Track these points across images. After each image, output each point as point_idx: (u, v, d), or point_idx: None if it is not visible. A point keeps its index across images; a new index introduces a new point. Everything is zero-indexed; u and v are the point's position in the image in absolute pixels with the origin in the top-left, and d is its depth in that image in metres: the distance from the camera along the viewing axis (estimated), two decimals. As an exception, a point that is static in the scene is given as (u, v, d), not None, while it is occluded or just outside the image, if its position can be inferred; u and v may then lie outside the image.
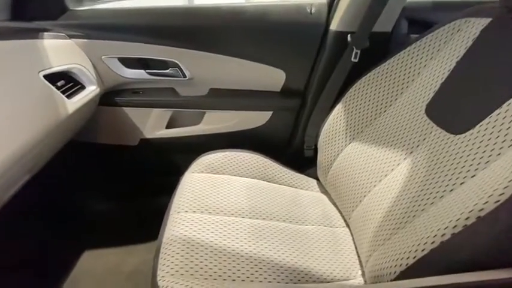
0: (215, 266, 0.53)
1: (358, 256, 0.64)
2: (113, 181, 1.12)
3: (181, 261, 0.53)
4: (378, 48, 0.84)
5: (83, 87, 0.84)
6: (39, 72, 0.70)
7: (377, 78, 0.73)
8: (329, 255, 0.64)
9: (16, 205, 0.65)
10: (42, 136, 0.64)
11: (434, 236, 0.37)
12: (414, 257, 0.39)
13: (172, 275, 0.51)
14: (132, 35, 0.87)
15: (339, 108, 0.80)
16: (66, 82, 0.78)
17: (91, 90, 0.85)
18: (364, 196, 0.65)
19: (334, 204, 0.81)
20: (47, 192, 1.04)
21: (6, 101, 0.59)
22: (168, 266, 0.52)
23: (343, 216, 0.76)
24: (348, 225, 0.73)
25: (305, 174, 0.91)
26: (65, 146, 0.82)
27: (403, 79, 0.69)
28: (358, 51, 0.79)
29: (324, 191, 0.86)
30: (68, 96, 0.75)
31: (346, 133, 0.77)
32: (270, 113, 1.01)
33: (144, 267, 0.55)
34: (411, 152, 0.58)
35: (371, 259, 0.52)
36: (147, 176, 1.13)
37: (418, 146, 0.57)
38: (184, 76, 0.94)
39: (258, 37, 0.90)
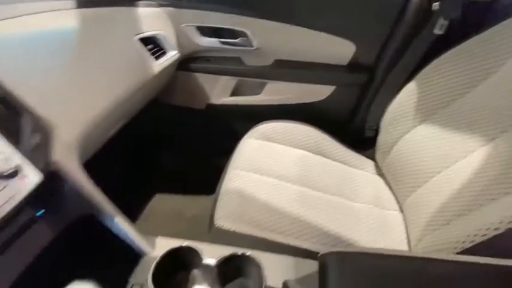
0: (265, 218, 0.59)
1: (408, 240, 0.62)
2: (183, 139, 1.26)
3: (235, 209, 0.60)
4: (471, 19, 0.72)
5: (164, 52, 0.94)
6: (136, 35, 0.81)
7: (464, 55, 0.64)
8: (375, 234, 0.63)
9: (109, 149, 0.80)
10: (134, 91, 0.76)
11: (500, 223, 0.34)
12: (472, 241, 0.37)
13: (227, 218, 0.58)
14: (210, 3, 0.93)
15: (411, 86, 0.73)
16: (153, 46, 0.89)
17: (172, 55, 0.95)
18: (425, 182, 0.61)
19: (390, 187, 0.77)
20: (131, 141, 1.23)
21: (108, 60, 0.71)
22: (223, 211, 0.60)
23: (398, 201, 0.73)
24: (401, 210, 0.70)
25: (362, 155, 0.88)
26: (147, 103, 0.96)
27: (498, 56, 0.59)
28: (446, 23, 0.70)
29: (380, 173, 0.83)
30: (156, 58, 0.86)
31: (415, 114, 0.71)
32: (333, 87, 0.98)
33: (203, 213, 0.64)
34: (493, 139, 0.52)
35: (422, 242, 0.51)
36: (211, 137, 1.24)
37: (502, 134, 0.50)
38: (251, 46, 0.97)
39: (330, 5, 0.86)
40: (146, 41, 0.86)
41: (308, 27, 0.90)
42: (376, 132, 0.85)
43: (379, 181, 0.81)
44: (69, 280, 0.41)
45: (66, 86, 0.58)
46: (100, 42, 0.70)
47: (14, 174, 0.39)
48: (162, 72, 0.91)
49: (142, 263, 0.49)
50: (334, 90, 0.99)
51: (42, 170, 0.44)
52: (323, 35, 0.90)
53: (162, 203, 1.12)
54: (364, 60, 0.92)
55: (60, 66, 0.58)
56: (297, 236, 0.57)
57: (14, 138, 0.42)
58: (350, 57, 0.93)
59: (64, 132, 0.53)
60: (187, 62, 1.06)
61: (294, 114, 0.95)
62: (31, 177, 0.42)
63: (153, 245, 0.52)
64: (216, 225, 0.57)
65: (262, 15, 0.91)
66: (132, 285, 0.46)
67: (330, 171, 0.78)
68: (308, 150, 0.82)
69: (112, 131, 0.82)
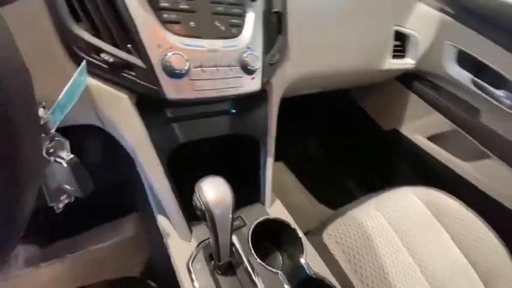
0: (365, 265, 0.55)
1: None
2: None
3: (348, 238, 0.58)
4: None
5: (403, 56, 0.85)
6: (395, 25, 0.76)
7: None
8: None
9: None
10: (355, 70, 0.74)
11: None
12: None
13: (335, 238, 0.58)
14: (501, 35, 0.73)
15: None
16: (399, 45, 0.82)
17: (408, 63, 0.86)
18: None
19: None
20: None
21: (359, 29, 0.70)
22: (336, 231, 0.59)
23: None
24: None
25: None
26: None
27: None
28: None
29: None
30: (393, 56, 0.79)
31: None
32: None
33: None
34: None
35: None
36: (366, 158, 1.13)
37: None
38: None
39: None
40: (398, 36, 0.79)
41: None
42: None
43: None
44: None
45: (322, 28, 0.61)
46: (363, 11, 0.70)
47: (250, 72, 0.45)
48: (386, 73, 0.83)
49: None
50: None
51: (262, 83, 0.48)
52: None
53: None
54: None
55: (330, 8, 0.62)
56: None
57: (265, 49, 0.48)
58: None
59: (291, 66, 0.57)
60: (411, 77, 0.93)
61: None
62: (256, 81, 0.47)
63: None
64: (322, 237, 0.57)
65: None
66: None
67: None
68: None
69: (307, 91, 0.84)
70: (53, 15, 0.34)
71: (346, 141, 1.22)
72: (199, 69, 0.40)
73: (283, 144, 0.69)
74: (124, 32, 0.36)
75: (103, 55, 0.36)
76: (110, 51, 0.36)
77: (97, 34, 0.36)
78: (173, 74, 0.38)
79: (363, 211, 0.65)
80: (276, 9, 0.50)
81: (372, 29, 0.72)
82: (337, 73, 0.69)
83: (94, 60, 0.36)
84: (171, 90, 0.39)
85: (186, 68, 0.38)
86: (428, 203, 0.69)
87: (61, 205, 0.37)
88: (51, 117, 0.27)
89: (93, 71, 0.37)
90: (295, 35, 0.55)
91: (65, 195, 0.35)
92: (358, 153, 1.17)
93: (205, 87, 0.41)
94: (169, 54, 0.37)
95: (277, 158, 0.61)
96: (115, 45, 0.36)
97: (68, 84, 0.29)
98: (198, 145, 0.50)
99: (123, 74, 0.38)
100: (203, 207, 0.37)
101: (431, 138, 0.93)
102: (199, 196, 0.37)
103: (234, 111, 0.53)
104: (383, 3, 0.74)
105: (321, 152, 1.27)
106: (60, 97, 0.28)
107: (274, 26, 0.51)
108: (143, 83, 0.38)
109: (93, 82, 0.37)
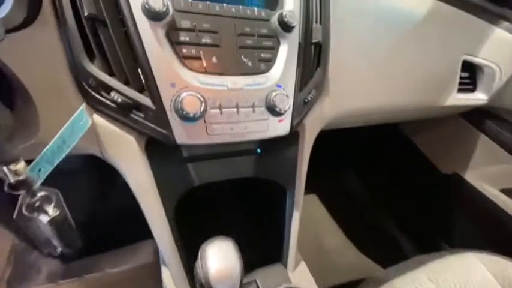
0: None
1: None
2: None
3: None
4: None
5: (472, 90, 0.71)
6: (465, 54, 0.63)
7: None
8: None
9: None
10: (414, 105, 0.62)
11: None
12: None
13: None
14: None
15: None
16: (467, 77, 0.68)
17: (478, 98, 0.71)
18: None
19: None
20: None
21: (420, 59, 0.58)
22: None
23: None
24: None
25: None
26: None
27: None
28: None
29: None
30: (459, 90, 0.66)
31: None
32: None
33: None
34: None
35: None
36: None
37: None
38: None
39: None
40: (465, 64, 0.66)
41: None
42: None
43: None
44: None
45: (370, 59, 0.52)
46: (424, 38, 0.58)
47: (278, 113, 0.38)
48: (449, 109, 0.70)
49: None
50: None
51: (292, 126, 0.41)
52: None
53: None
54: None
55: (381, 35, 0.52)
56: None
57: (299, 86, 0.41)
58: None
59: (330, 103, 0.48)
60: (482, 113, 0.77)
61: None
62: (285, 124, 0.40)
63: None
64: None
65: None
66: None
67: None
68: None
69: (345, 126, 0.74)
70: (66, 47, 0.32)
71: (392, 180, 1.06)
72: (217, 110, 0.35)
73: (317, 174, 0.60)
74: (137, 69, 0.33)
75: (112, 94, 0.32)
76: (120, 90, 0.32)
77: (109, 71, 0.33)
78: (186, 117, 0.33)
79: (414, 281, 0.52)
80: (315, 40, 0.43)
81: (434, 59, 0.60)
82: (386, 110, 0.59)
83: (103, 99, 0.33)
84: (183, 134, 0.34)
85: (201, 110, 0.33)
86: (497, 275, 0.54)
87: (58, 250, 0.34)
88: (30, 173, 0.24)
89: (102, 109, 0.34)
90: (336, 67, 0.47)
91: (55, 247, 0.32)
92: (408, 196, 1.01)
93: (221, 131, 0.36)
94: (184, 94, 0.32)
95: (309, 190, 0.52)
96: (127, 82, 0.33)
97: (58, 134, 0.25)
98: (213, 187, 0.44)
99: (131, 114, 0.34)
100: (203, 281, 0.30)
101: (506, 192, 0.75)
102: (202, 265, 0.31)
103: (259, 151, 0.47)
104: (450, 27, 0.62)
105: (361, 189, 1.13)
106: (45, 149, 0.24)
107: (312, 59, 0.44)
108: (152, 125, 0.34)
109: (100, 120, 0.34)
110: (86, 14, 0.30)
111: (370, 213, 1.05)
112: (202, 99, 0.33)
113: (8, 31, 0.28)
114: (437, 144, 0.90)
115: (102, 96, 0.33)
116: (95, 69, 0.32)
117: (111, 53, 0.32)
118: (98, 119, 0.34)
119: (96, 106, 0.33)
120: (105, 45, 0.32)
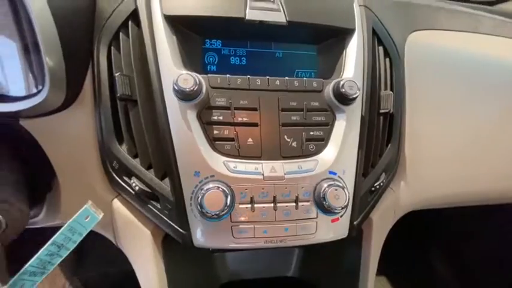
0: None
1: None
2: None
3: None
4: None
5: None
6: None
7: None
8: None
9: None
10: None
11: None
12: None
13: None
14: None
15: None
16: None
17: None
18: None
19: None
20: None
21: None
22: None
23: None
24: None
25: None
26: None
27: None
28: None
29: None
30: None
31: None
32: None
33: None
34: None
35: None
36: None
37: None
38: None
39: None
40: None
41: None
42: None
43: None
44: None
45: (463, 131, 0.38)
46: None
47: (331, 212, 0.28)
48: None
49: None
50: None
51: (353, 226, 0.30)
52: None
53: None
54: None
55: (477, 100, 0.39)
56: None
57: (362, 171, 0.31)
58: None
59: (407, 189, 0.36)
60: None
61: None
62: (341, 225, 0.29)
63: None
64: None
65: None
66: None
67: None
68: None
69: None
70: (97, 128, 0.30)
71: (491, 273, 0.76)
72: (247, 206, 0.27)
73: (395, 258, 0.44)
74: (161, 153, 0.28)
75: (133, 179, 0.28)
76: (140, 175, 0.28)
77: (135, 154, 0.29)
78: (206, 215, 0.26)
79: None
80: (384, 110, 0.33)
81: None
82: (478, 194, 0.42)
83: (124, 184, 0.29)
84: (202, 236, 0.27)
85: (226, 206, 0.26)
86: None
87: None
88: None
89: (122, 194, 0.30)
90: (414, 142, 0.36)
91: None
92: None
93: (251, 235, 0.27)
94: (207, 187, 0.26)
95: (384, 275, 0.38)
96: (150, 167, 0.29)
97: (49, 242, 0.21)
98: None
99: (149, 205, 0.29)
100: None
101: None
102: None
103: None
104: None
105: (452, 279, 0.85)
106: (31, 261, 0.20)
107: (381, 134, 0.34)
108: (168, 220, 0.28)
109: (119, 207, 0.30)
110: (119, 94, 0.28)
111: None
112: (228, 192, 0.26)
113: (45, 114, 0.27)
114: None
115: (123, 180, 0.29)
116: (121, 152, 0.29)
117: (137, 134, 0.29)
118: (117, 204, 0.30)
119: (117, 190, 0.30)
120: (133, 125, 0.29)
